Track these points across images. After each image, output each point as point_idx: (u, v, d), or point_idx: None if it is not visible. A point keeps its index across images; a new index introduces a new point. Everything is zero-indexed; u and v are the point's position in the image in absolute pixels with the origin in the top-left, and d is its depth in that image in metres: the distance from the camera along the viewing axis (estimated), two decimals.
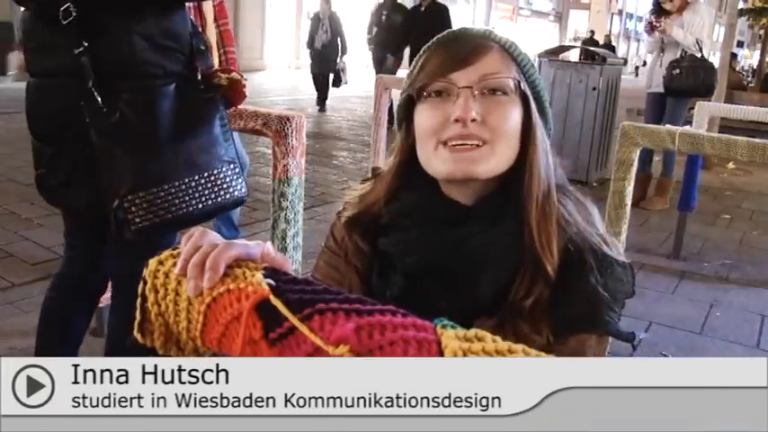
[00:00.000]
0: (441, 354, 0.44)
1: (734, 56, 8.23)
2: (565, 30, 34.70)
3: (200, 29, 2.77)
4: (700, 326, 2.96)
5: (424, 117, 0.88)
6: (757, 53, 18.89)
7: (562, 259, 0.83)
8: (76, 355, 1.72)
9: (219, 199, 1.36)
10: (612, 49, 19.28)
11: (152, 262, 0.57)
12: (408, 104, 0.91)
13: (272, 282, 0.51)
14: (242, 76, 1.49)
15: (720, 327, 2.96)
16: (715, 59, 6.10)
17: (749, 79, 13.10)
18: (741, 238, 4.44)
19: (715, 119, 5.63)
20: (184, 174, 1.33)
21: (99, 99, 1.32)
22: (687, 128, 2.29)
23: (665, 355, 2.64)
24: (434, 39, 0.92)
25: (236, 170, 1.39)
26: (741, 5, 9.40)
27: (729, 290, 3.44)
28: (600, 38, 21.52)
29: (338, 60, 8.69)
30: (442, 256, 0.86)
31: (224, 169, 1.38)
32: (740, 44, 29.98)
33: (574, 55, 6.75)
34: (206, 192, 1.35)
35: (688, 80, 4.60)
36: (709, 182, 5.80)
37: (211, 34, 2.87)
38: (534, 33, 29.42)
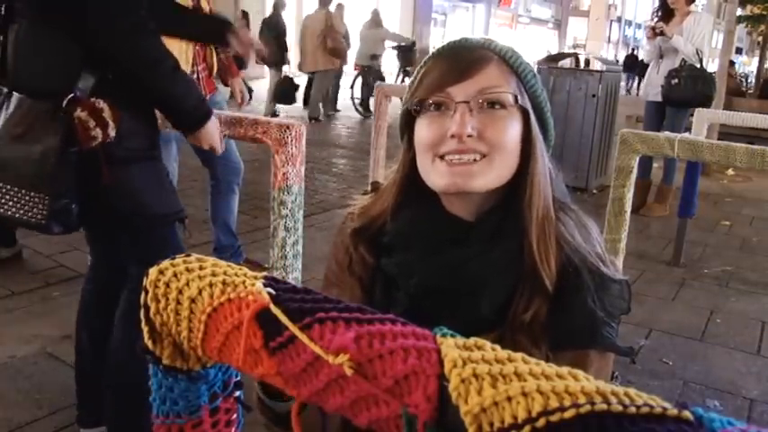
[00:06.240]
0: (440, 362, 0.44)
1: (731, 63, 8.23)
2: (564, 37, 34.84)
3: (197, 49, 2.77)
4: (700, 332, 2.96)
5: (423, 131, 0.87)
6: (756, 60, 18.93)
7: (560, 277, 0.84)
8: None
9: (31, 214, 1.50)
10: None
11: (152, 271, 0.56)
12: (408, 117, 0.91)
13: (271, 290, 0.51)
14: (114, 117, 1.52)
15: (721, 333, 2.96)
16: (713, 66, 6.12)
17: (746, 85, 13.12)
18: (741, 244, 4.44)
19: (714, 125, 5.64)
20: (10, 180, 1.50)
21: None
22: (686, 135, 2.30)
23: (665, 363, 2.63)
24: (434, 50, 0.92)
25: (46, 201, 1.49)
26: (739, 12, 9.43)
27: (730, 296, 3.44)
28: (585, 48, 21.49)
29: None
30: (443, 278, 0.86)
31: (33, 193, 1.50)
32: (738, 51, 30.04)
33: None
34: (17, 202, 1.51)
35: (687, 90, 4.60)
36: (708, 188, 5.81)
37: (212, 55, 2.88)
38: (533, 40, 29.54)
